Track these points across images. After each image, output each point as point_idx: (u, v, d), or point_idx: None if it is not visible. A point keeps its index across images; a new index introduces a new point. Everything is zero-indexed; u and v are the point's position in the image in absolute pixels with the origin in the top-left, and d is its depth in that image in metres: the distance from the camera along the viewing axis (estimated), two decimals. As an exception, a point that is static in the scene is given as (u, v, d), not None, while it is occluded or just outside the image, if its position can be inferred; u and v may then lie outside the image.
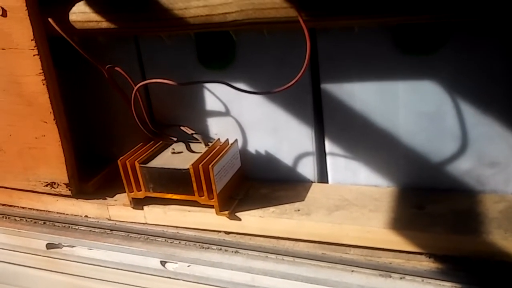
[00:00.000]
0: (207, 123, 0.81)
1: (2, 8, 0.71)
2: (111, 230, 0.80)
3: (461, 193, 0.69)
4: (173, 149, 0.79)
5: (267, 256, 0.69)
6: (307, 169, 0.78)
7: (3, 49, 0.75)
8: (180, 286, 0.74)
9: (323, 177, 0.79)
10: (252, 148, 0.80)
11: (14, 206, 0.89)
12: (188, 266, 0.72)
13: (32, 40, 0.72)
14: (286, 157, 0.79)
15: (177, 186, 0.73)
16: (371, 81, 0.68)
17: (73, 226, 0.83)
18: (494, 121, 0.65)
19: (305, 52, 0.63)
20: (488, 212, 0.64)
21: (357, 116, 0.71)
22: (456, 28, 0.61)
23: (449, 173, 0.70)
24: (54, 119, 0.76)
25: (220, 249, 0.72)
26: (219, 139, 0.79)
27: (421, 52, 0.64)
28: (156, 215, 0.77)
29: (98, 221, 0.82)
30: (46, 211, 0.86)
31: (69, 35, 0.72)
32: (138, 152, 0.77)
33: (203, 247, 0.73)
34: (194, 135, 0.80)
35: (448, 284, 0.59)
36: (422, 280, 0.60)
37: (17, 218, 0.88)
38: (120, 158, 0.75)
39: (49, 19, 0.72)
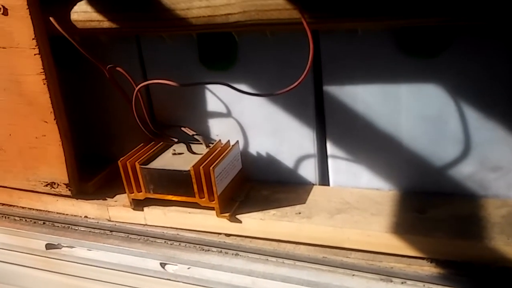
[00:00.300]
0: (208, 124, 0.81)
1: (3, 7, 0.71)
2: (111, 231, 0.80)
3: (463, 197, 0.69)
4: (174, 150, 0.78)
5: (267, 259, 0.69)
6: (308, 171, 0.78)
7: (3, 48, 0.74)
8: (180, 288, 0.73)
9: (324, 179, 0.79)
10: (253, 149, 0.80)
11: (14, 206, 0.89)
12: (188, 268, 0.72)
13: (33, 39, 0.71)
14: (287, 159, 0.78)
15: (177, 187, 0.72)
16: (374, 84, 0.68)
17: (73, 227, 0.82)
18: (498, 125, 0.65)
19: (308, 54, 0.63)
20: (491, 217, 0.64)
21: (359, 118, 0.71)
22: (459, 31, 0.61)
23: (452, 177, 0.69)
24: (54, 119, 0.76)
25: (221, 251, 0.72)
26: (220, 140, 0.79)
27: (424, 55, 0.64)
28: (156, 217, 0.77)
29: (98, 222, 0.81)
30: (46, 211, 0.86)
31: (70, 34, 0.72)
32: (139, 152, 0.77)
33: (203, 249, 0.73)
34: (195, 136, 0.79)
35: (450, 289, 0.59)
36: (424, 285, 0.60)
37: (17, 218, 0.87)
38: (121, 159, 0.74)
39: (50, 18, 0.72)
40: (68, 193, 0.81)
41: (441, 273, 0.60)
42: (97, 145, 0.90)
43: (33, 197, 0.86)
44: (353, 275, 0.63)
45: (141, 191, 0.75)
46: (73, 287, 0.82)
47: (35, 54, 0.72)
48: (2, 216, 0.88)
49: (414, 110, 0.67)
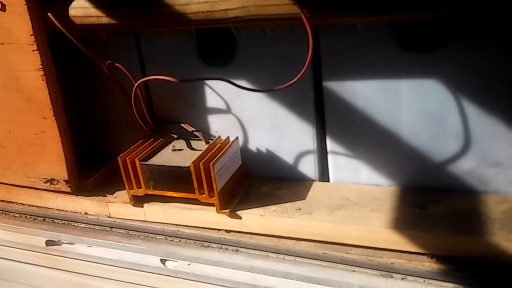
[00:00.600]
0: (208, 120, 0.81)
1: (1, 3, 0.70)
2: (110, 227, 0.80)
3: (464, 193, 0.68)
4: (174, 146, 0.78)
5: (267, 255, 0.69)
6: (308, 167, 0.78)
7: (2, 44, 0.74)
8: (180, 285, 0.73)
9: (324, 175, 0.78)
10: (253, 145, 0.80)
11: (14, 203, 0.89)
12: (188, 264, 0.72)
13: (31, 35, 0.71)
14: (287, 155, 0.78)
15: (177, 183, 0.72)
16: (373, 79, 0.67)
17: (73, 223, 0.82)
18: (498, 121, 0.64)
19: (307, 49, 0.62)
20: (491, 212, 0.64)
21: (359, 114, 0.70)
22: (459, 26, 0.61)
23: (452, 172, 0.69)
24: (53, 115, 0.76)
25: (221, 247, 0.72)
26: (220, 136, 0.78)
27: (424, 50, 0.63)
28: (156, 213, 0.76)
29: (98, 218, 0.81)
30: (46, 207, 0.86)
31: (68, 30, 0.72)
32: (138, 149, 0.76)
33: (203, 246, 0.73)
34: (195, 133, 0.79)
35: (450, 285, 0.59)
36: (424, 281, 0.60)
37: (17, 215, 0.87)
38: (120, 155, 0.74)
39: (49, 14, 0.71)
40: (68, 189, 0.81)
41: (441, 269, 0.60)
42: (97, 141, 0.90)
43: (33, 193, 0.86)
44: (354, 271, 0.63)
45: (141, 188, 0.75)
46: (73, 284, 0.82)
47: (33, 50, 0.72)
48: (2, 213, 0.88)
49: (414, 105, 0.67)
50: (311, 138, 0.75)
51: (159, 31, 0.74)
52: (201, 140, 0.78)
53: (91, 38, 0.77)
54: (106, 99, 0.85)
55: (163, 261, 0.74)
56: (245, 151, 0.79)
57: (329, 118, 0.73)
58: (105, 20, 0.70)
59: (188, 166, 0.70)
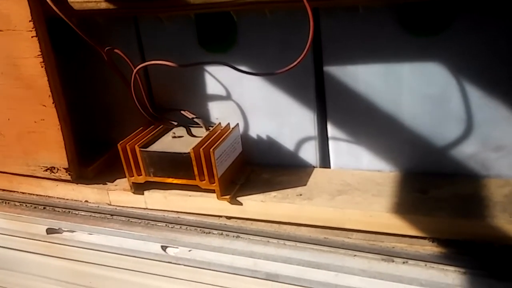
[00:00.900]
0: (208, 107, 0.80)
1: (-1, -11, 0.70)
2: (111, 215, 0.80)
3: (466, 177, 0.68)
4: (174, 133, 0.78)
5: (268, 241, 0.68)
6: (309, 153, 0.77)
7: (0, 30, 0.73)
8: (181, 271, 0.73)
9: (325, 162, 0.78)
10: (253, 132, 0.79)
11: (14, 191, 0.89)
12: (189, 251, 0.72)
13: (30, 21, 0.71)
14: (287, 141, 0.78)
15: (177, 170, 0.72)
16: (375, 63, 0.67)
17: (73, 211, 0.82)
18: (500, 104, 0.64)
19: (307, 35, 0.62)
20: (493, 196, 0.63)
21: (361, 99, 0.70)
22: (462, 8, 0.60)
23: (454, 157, 0.69)
24: (53, 103, 0.75)
25: (221, 233, 0.72)
26: (220, 123, 0.78)
27: (426, 32, 0.63)
28: (157, 200, 0.76)
29: (98, 206, 0.81)
30: (46, 196, 0.86)
31: (67, 16, 0.71)
32: (138, 136, 0.76)
33: (204, 232, 0.73)
34: (195, 119, 0.79)
35: (452, 268, 0.58)
36: (425, 265, 0.60)
37: (17, 203, 0.87)
38: (120, 142, 0.74)
39: (47, 0, 0.70)
40: (68, 177, 0.81)
41: (442, 252, 0.60)
42: (97, 129, 0.90)
43: (33, 182, 0.85)
44: (355, 255, 0.63)
45: (141, 175, 0.75)
46: (74, 271, 0.82)
47: (32, 37, 0.72)
48: (2, 202, 0.88)
49: (416, 89, 0.67)
50: (312, 124, 0.75)
51: (159, 17, 0.74)
52: (201, 127, 0.78)
53: (90, 24, 0.76)
54: (106, 87, 0.85)
55: (164, 248, 0.74)
56: (245, 138, 0.79)
57: (330, 104, 0.73)
58: (103, 5, 0.70)
59: (188, 152, 0.69)
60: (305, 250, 0.66)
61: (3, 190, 0.90)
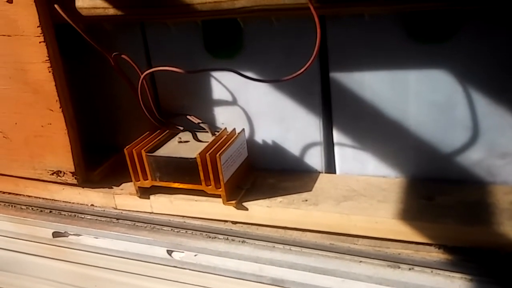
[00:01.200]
0: (214, 112, 0.81)
1: (8, -5, 0.71)
2: (117, 219, 0.80)
3: (472, 184, 0.68)
4: (180, 138, 0.78)
5: (274, 246, 0.69)
6: (315, 159, 0.78)
7: (9, 36, 0.74)
8: (187, 275, 0.73)
9: (330, 167, 0.78)
10: (259, 137, 0.80)
11: (20, 195, 0.89)
12: (195, 255, 0.72)
13: (38, 26, 0.71)
14: (293, 147, 0.78)
15: (184, 175, 0.72)
16: (381, 70, 0.67)
17: (79, 215, 0.83)
18: (506, 112, 0.64)
19: (314, 41, 0.62)
20: (499, 203, 0.63)
21: (367, 105, 0.70)
22: (469, 16, 0.60)
23: (459, 163, 0.69)
24: (60, 107, 0.76)
25: (227, 238, 0.72)
26: (226, 128, 0.78)
27: (433, 40, 0.63)
28: (163, 204, 0.77)
29: (104, 210, 0.81)
30: (52, 199, 0.86)
31: (75, 22, 0.72)
32: (145, 141, 0.76)
33: (209, 237, 0.73)
34: (201, 124, 0.79)
35: (458, 275, 0.58)
36: (431, 271, 0.60)
37: (23, 207, 0.88)
38: (127, 147, 0.74)
39: (55, 6, 0.71)
40: (74, 181, 0.81)
41: (449, 259, 0.60)
42: (103, 134, 0.90)
43: (39, 185, 0.86)
44: (360, 261, 0.63)
45: (147, 179, 0.75)
46: (80, 275, 0.82)
47: (40, 42, 0.72)
48: (9, 205, 0.89)
49: (422, 96, 0.67)
50: (318, 130, 0.75)
51: (165, 23, 0.74)
52: (207, 132, 0.78)
53: (97, 30, 0.77)
54: (113, 92, 0.85)
55: (169, 252, 0.74)
56: (251, 143, 0.79)
57: (336, 110, 0.73)
58: (111, 11, 0.70)
59: (195, 158, 0.70)
60: (311, 256, 0.66)
61: (10, 193, 0.90)
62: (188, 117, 0.80)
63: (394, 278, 0.61)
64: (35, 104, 0.78)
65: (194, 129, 0.79)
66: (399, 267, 0.61)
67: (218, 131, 0.78)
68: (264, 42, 0.72)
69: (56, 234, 0.82)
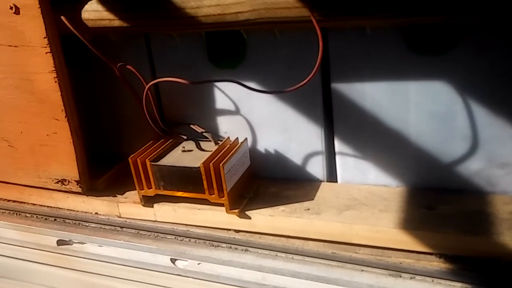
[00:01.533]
0: (217, 121, 0.82)
1: (15, 6, 0.72)
2: (121, 227, 0.81)
3: (471, 193, 0.69)
4: (183, 147, 0.79)
5: (277, 255, 0.69)
6: (316, 168, 0.79)
7: (15, 46, 0.75)
8: (190, 284, 0.74)
9: (332, 176, 0.79)
10: (261, 147, 0.81)
11: (25, 203, 0.90)
12: (198, 264, 0.73)
13: (44, 37, 0.72)
14: (295, 156, 0.79)
15: (187, 184, 0.73)
16: (382, 81, 0.68)
17: (84, 223, 0.83)
18: (506, 123, 0.65)
19: (316, 52, 0.63)
20: (499, 213, 0.64)
21: (368, 115, 0.71)
22: (468, 29, 0.61)
23: (460, 173, 0.70)
24: (65, 117, 0.77)
25: (230, 247, 0.72)
26: (228, 137, 0.79)
27: (433, 52, 0.64)
28: (166, 213, 0.77)
29: (108, 218, 0.82)
30: (57, 207, 0.87)
31: (81, 33, 0.73)
32: (149, 150, 0.77)
33: (213, 245, 0.74)
34: (204, 134, 0.80)
35: (458, 284, 0.59)
36: (432, 280, 0.60)
37: (28, 215, 0.88)
38: (131, 156, 0.75)
39: (62, 17, 0.72)
40: (79, 190, 0.82)
41: (449, 268, 0.61)
42: (108, 143, 0.91)
43: (44, 194, 0.87)
44: (362, 270, 0.64)
45: (151, 188, 0.76)
46: (84, 283, 0.83)
47: (46, 53, 0.73)
48: (14, 213, 0.89)
49: (422, 107, 0.68)
50: (320, 140, 0.76)
51: (170, 34, 0.76)
52: (210, 141, 0.79)
53: (103, 41, 0.78)
54: (117, 102, 0.86)
55: (173, 261, 0.75)
56: (254, 152, 0.80)
57: (338, 120, 0.74)
58: (117, 23, 0.72)
59: (198, 167, 0.71)
60: (313, 265, 0.67)
61: (14, 201, 0.91)
62: (192, 126, 0.81)
63: (396, 287, 0.61)
64: (40, 113, 0.79)
65: (197, 138, 0.80)
66: (400, 276, 0.62)
67: (221, 140, 0.79)
68: (267, 54, 0.73)
69: (60, 242, 0.83)
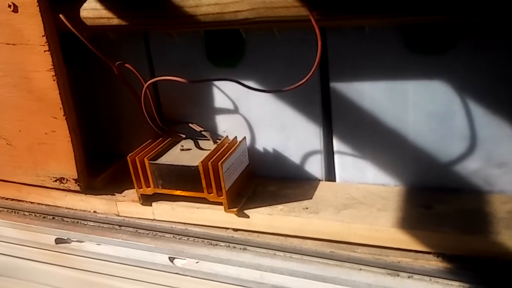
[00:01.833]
0: (215, 120, 0.82)
1: (14, 4, 0.72)
2: (119, 225, 0.81)
3: (469, 193, 0.69)
4: (182, 146, 0.79)
5: (275, 254, 0.69)
6: (315, 167, 0.79)
7: (14, 44, 0.75)
8: (188, 282, 0.74)
9: (330, 175, 0.79)
10: (260, 145, 0.81)
11: (23, 201, 0.90)
12: (197, 262, 0.73)
13: (43, 36, 0.72)
14: (293, 155, 0.79)
15: (186, 183, 0.73)
16: (380, 81, 0.68)
17: (82, 222, 0.83)
18: (504, 122, 0.65)
19: (315, 51, 0.63)
20: (496, 212, 0.64)
21: (366, 115, 0.71)
22: (467, 28, 0.62)
23: (457, 173, 0.70)
24: (64, 115, 0.77)
25: (228, 246, 0.73)
26: (227, 136, 0.79)
27: (431, 52, 0.64)
28: (165, 212, 0.77)
29: (106, 217, 0.82)
30: (55, 206, 0.87)
31: (79, 31, 0.73)
32: (147, 148, 0.77)
33: (211, 244, 0.74)
34: (203, 132, 0.80)
35: (456, 283, 0.59)
36: (430, 279, 0.61)
37: (26, 213, 0.88)
38: (130, 155, 0.75)
39: (60, 15, 0.72)
40: (77, 188, 0.82)
41: (447, 268, 0.61)
42: (106, 141, 0.91)
43: (42, 192, 0.87)
44: (360, 269, 0.64)
45: (149, 186, 0.76)
46: (82, 281, 0.83)
47: (45, 51, 0.73)
48: (12, 211, 0.89)
49: (421, 106, 0.68)
50: (318, 139, 0.76)
51: (168, 33, 0.75)
52: (209, 140, 0.79)
53: (101, 39, 0.78)
54: (116, 100, 0.86)
55: (171, 259, 0.75)
56: (252, 151, 0.80)
57: (336, 119, 0.74)
58: (115, 21, 0.71)
59: (197, 166, 0.71)
60: (311, 264, 0.67)
61: (13, 199, 0.91)
62: (190, 125, 0.81)
63: (394, 286, 0.62)
64: (39, 111, 0.79)
65: (196, 137, 0.80)
66: (398, 275, 0.62)
67: (219, 139, 0.79)
68: (266, 53, 0.73)
69: (58, 241, 0.83)
